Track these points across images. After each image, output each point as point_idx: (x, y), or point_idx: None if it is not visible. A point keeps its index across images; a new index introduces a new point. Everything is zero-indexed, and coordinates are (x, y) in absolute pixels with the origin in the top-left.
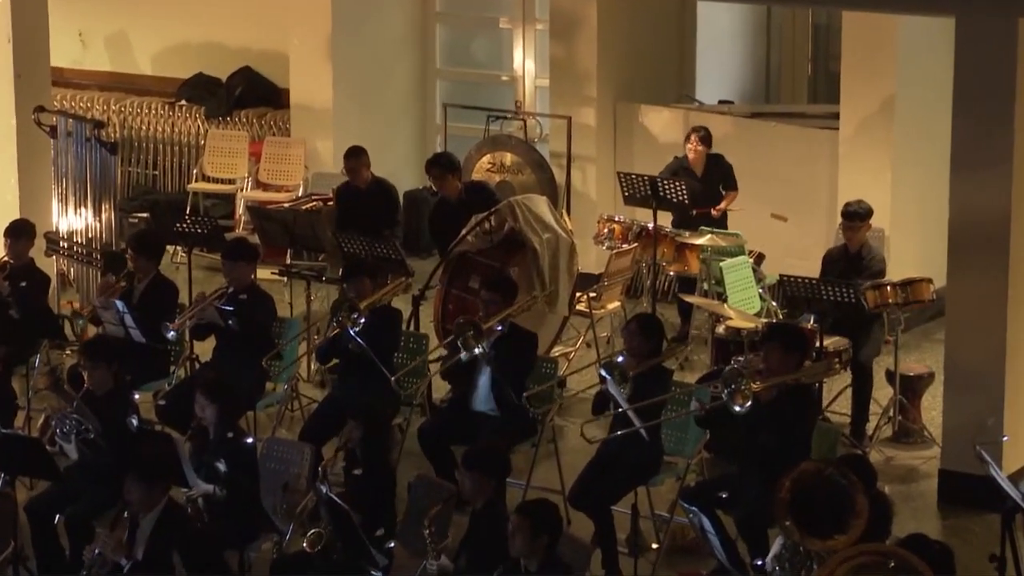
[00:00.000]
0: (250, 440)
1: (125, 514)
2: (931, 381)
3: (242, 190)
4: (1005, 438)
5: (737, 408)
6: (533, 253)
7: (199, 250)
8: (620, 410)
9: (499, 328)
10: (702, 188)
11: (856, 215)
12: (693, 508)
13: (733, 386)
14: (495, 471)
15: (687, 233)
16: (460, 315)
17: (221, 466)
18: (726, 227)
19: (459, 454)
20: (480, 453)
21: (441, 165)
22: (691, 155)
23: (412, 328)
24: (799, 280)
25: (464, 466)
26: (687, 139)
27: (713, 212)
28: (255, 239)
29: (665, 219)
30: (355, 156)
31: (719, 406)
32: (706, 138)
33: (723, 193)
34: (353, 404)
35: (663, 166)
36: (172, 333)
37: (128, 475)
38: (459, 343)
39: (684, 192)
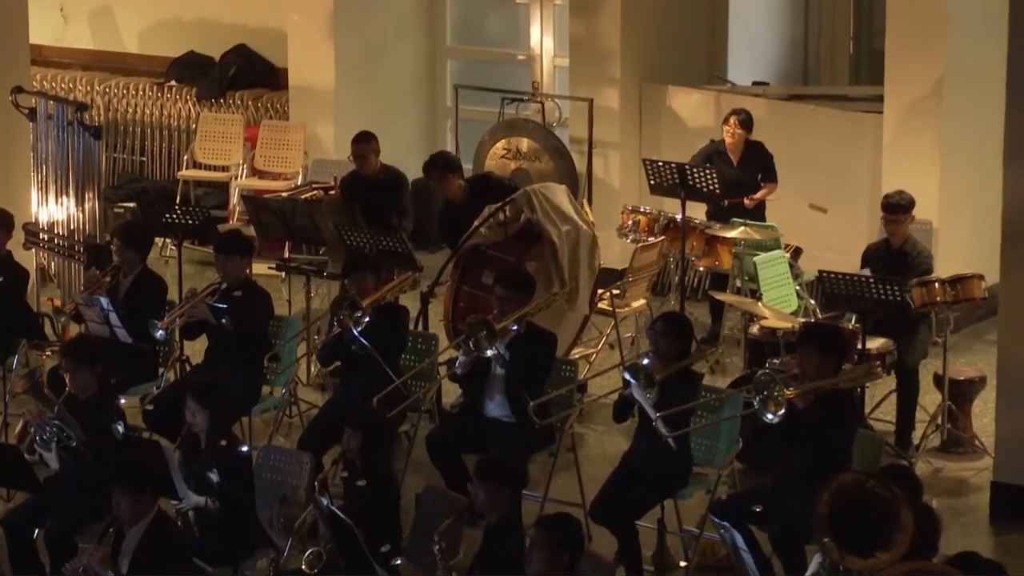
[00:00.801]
0: (245, 448)
1: (110, 528)
2: (982, 386)
3: (236, 178)
4: None
5: (770, 416)
6: (551, 246)
7: (190, 243)
8: (646, 418)
9: (514, 328)
10: (738, 177)
11: (898, 207)
12: (724, 523)
13: (765, 393)
14: (510, 482)
15: (718, 225)
16: (472, 313)
17: (213, 476)
18: (762, 219)
19: (471, 464)
20: (494, 463)
21: (439, 166)
22: (729, 140)
23: (420, 327)
24: (840, 276)
25: (477, 477)
26: (725, 121)
27: (746, 202)
28: (250, 231)
29: (697, 210)
30: (364, 141)
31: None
32: (746, 122)
33: (761, 184)
34: (356, 409)
35: (692, 152)
36: (160, 332)
37: (114, 486)
38: (471, 344)
39: (715, 180)
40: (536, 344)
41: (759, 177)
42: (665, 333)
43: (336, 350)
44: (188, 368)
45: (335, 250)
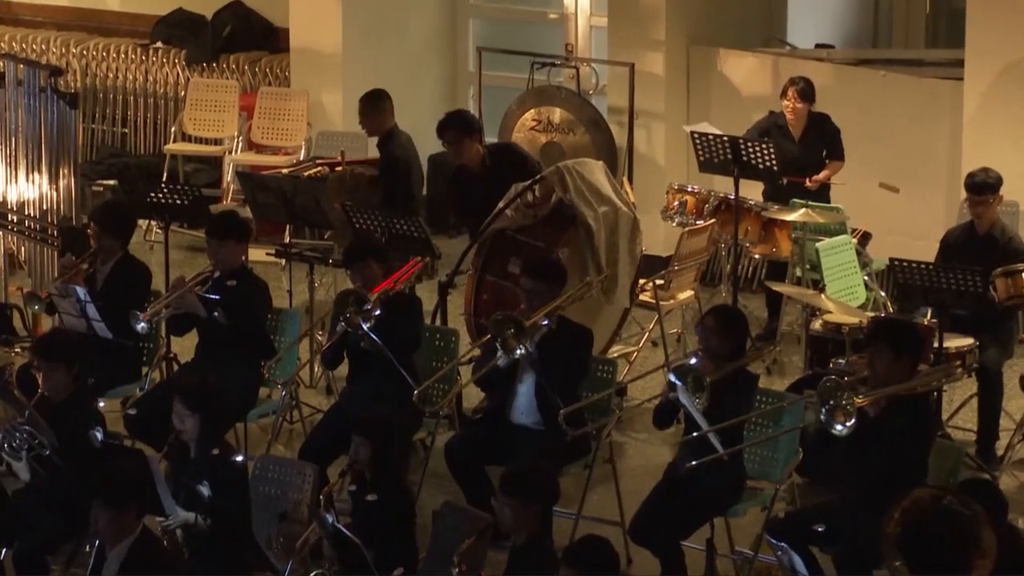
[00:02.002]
0: (240, 458)
1: (87, 548)
2: None
3: (231, 152)
4: None
5: (839, 428)
6: (586, 230)
7: (178, 226)
8: (693, 425)
9: (545, 323)
10: (799, 153)
11: (984, 186)
12: (782, 544)
13: (832, 403)
14: (540, 497)
15: (776, 207)
16: (497, 306)
17: (204, 490)
18: (826, 200)
19: (495, 477)
20: (521, 475)
21: (456, 127)
22: (789, 113)
23: (439, 322)
24: (914, 265)
25: (502, 491)
26: (783, 93)
27: (808, 183)
28: (246, 212)
29: (753, 190)
30: (375, 101)
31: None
32: (806, 92)
33: (825, 163)
34: (365, 415)
35: (746, 125)
36: (142, 325)
37: (93, 501)
38: (497, 344)
39: (772, 156)
40: (569, 341)
41: (823, 154)
42: (716, 329)
43: (342, 351)
44: (176, 367)
45: (342, 234)
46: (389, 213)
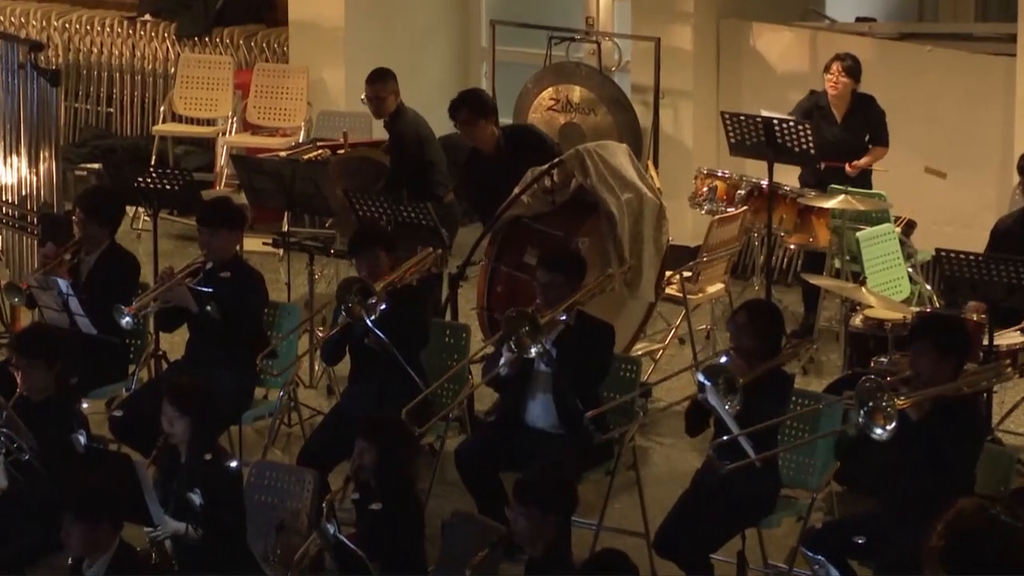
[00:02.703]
0: (234, 464)
1: (70, 561)
2: None
3: (224, 134)
4: None
5: (879, 432)
6: (609, 219)
7: (167, 213)
8: (723, 429)
9: (563, 319)
10: (840, 136)
11: None
12: (819, 557)
13: (871, 404)
14: (557, 507)
15: (813, 193)
16: (512, 300)
17: (196, 498)
18: (867, 186)
19: (509, 484)
20: (537, 483)
21: (469, 107)
22: (832, 91)
23: (449, 317)
24: (962, 256)
25: (517, 500)
26: (827, 68)
27: (848, 168)
28: (241, 199)
29: (788, 175)
30: (380, 80)
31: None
32: (853, 69)
33: (868, 148)
34: (370, 417)
35: (780, 104)
36: (127, 319)
37: (64, 512)
38: (511, 343)
39: (809, 138)
40: (589, 339)
41: (866, 139)
42: (748, 326)
43: (344, 345)
44: (165, 366)
45: (344, 223)
46: (395, 199)
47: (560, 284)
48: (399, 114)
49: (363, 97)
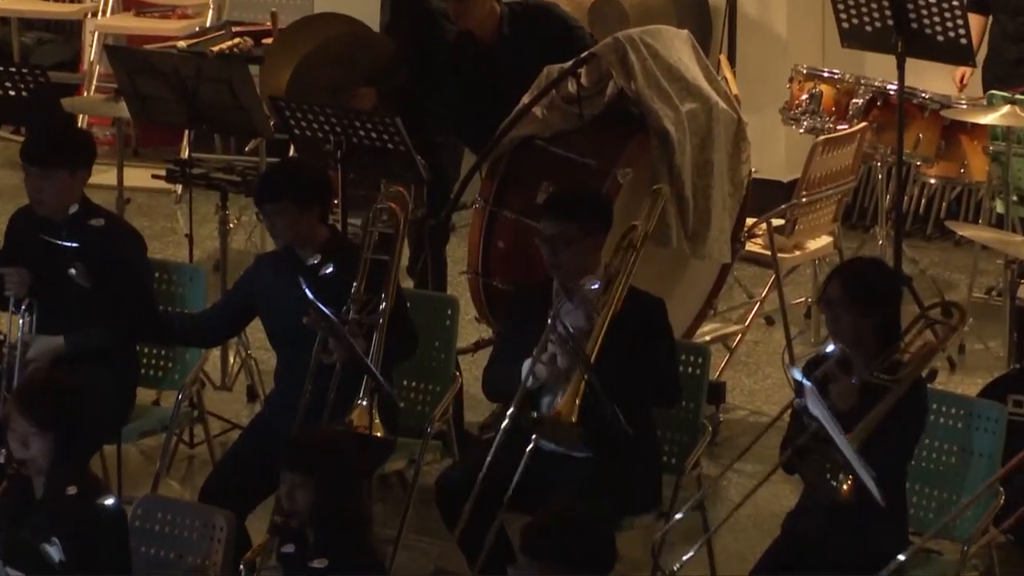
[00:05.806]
0: (111, 501)
1: None
2: None
3: (96, 14)
4: None
5: None
6: (662, 140)
7: (11, 131)
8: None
9: (594, 287)
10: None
11: None
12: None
13: None
14: (584, 564)
15: (965, 104)
16: (519, 260)
17: (54, 551)
18: None
19: (516, 531)
20: (557, 530)
21: None
22: None
23: (431, 288)
24: None
25: (527, 554)
26: None
27: None
28: (119, 108)
29: (930, 77)
30: None
31: None
32: None
33: None
34: (302, 435)
35: None
36: None
37: None
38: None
39: (961, 22)
40: (635, 319)
41: None
42: (845, 301)
43: (246, 314)
44: (7, 358)
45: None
46: (352, 109)
47: (573, 239)
48: None
49: None
